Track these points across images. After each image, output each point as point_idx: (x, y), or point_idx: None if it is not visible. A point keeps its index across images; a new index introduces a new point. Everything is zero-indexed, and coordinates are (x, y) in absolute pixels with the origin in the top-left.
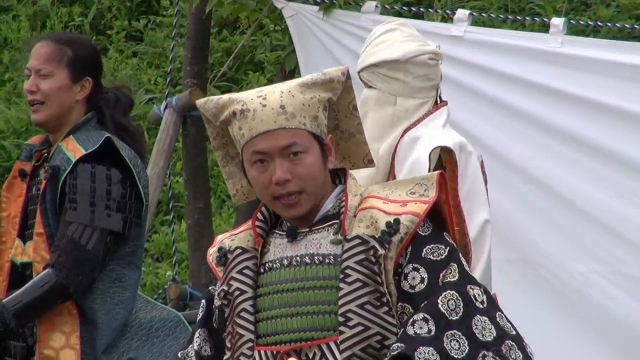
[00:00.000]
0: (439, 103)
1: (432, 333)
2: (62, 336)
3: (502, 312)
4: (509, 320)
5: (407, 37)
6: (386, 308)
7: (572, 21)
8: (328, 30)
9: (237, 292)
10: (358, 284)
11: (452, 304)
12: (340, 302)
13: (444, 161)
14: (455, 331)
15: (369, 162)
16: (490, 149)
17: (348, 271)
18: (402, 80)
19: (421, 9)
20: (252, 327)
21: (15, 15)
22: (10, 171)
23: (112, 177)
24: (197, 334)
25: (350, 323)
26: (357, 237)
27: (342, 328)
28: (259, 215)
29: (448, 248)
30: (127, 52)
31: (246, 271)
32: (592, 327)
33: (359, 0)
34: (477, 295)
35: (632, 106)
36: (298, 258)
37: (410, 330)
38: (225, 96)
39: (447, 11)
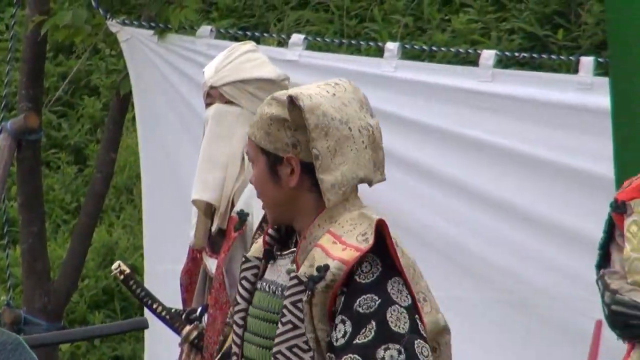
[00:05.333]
0: None
1: None
2: None
3: None
4: None
5: (267, 59)
6: (311, 353)
7: (407, 46)
8: (163, 55)
9: (234, 302)
10: (290, 326)
11: None
12: (274, 342)
13: None
14: None
15: None
16: None
17: (285, 311)
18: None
19: (257, 34)
20: (238, 342)
21: None
22: None
23: None
24: None
25: None
26: (296, 277)
27: None
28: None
29: (380, 300)
30: None
31: (244, 282)
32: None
33: (195, 24)
34: (388, 357)
35: (464, 130)
36: (266, 285)
37: None
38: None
39: (283, 36)
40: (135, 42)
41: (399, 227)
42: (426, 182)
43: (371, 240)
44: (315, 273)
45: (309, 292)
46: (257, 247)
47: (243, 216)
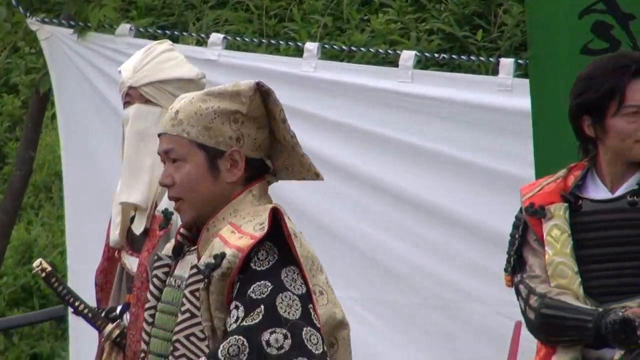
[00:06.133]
0: None
1: None
2: None
3: (308, 358)
4: None
5: (184, 58)
6: (207, 342)
7: (326, 46)
8: (83, 53)
9: (145, 299)
10: (187, 315)
11: (234, 350)
12: (174, 331)
13: None
14: None
15: (317, 176)
16: None
17: (184, 300)
18: None
19: (176, 33)
20: (146, 339)
21: None
22: None
23: None
24: None
25: (177, 353)
26: (195, 266)
27: (170, 357)
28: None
29: (272, 287)
30: None
31: (155, 280)
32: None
33: (114, 23)
34: (273, 341)
35: (384, 130)
36: (173, 280)
37: None
38: None
39: (202, 35)
40: (55, 40)
41: (318, 227)
42: (346, 182)
43: (266, 228)
44: (209, 261)
45: (206, 280)
46: (170, 246)
47: (168, 215)
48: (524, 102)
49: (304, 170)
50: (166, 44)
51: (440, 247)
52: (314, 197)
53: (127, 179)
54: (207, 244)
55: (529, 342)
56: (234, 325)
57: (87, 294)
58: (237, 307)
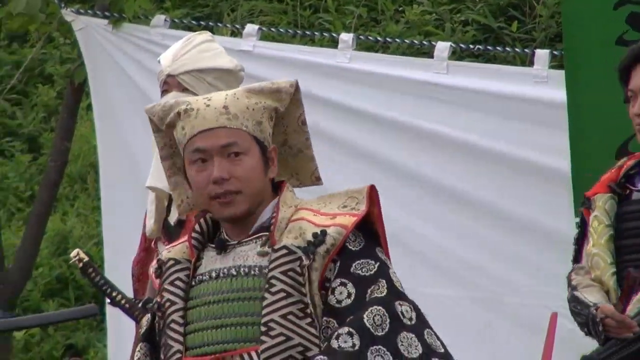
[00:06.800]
0: None
1: (357, 347)
2: None
3: (432, 330)
4: (438, 338)
5: (224, 49)
6: (309, 319)
7: (361, 37)
8: (118, 44)
9: (167, 304)
10: (282, 294)
11: (378, 319)
12: (263, 312)
13: None
14: (380, 347)
15: (317, 180)
16: None
17: (273, 281)
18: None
19: (210, 24)
20: (180, 339)
21: None
22: None
23: None
24: (138, 347)
25: (272, 333)
26: (284, 247)
27: (263, 337)
28: (196, 227)
29: (378, 263)
30: None
31: (177, 282)
32: None
33: (149, 13)
34: (405, 312)
35: (419, 122)
36: (225, 270)
37: (335, 344)
38: (173, 100)
39: (237, 26)
40: (89, 31)
41: None
42: (382, 173)
43: (362, 206)
44: (311, 239)
45: (311, 256)
46: (178, 249)
47: None
48: (559, 94)
49: (305, 174)
50: (206, 34)
51: (479, 238)
52: (348, 187)
53: (158, 164)
54: (280, 231)
55: (565, 333)
56: (349, 301)
57: (124, 285)
58: (343, 284)
